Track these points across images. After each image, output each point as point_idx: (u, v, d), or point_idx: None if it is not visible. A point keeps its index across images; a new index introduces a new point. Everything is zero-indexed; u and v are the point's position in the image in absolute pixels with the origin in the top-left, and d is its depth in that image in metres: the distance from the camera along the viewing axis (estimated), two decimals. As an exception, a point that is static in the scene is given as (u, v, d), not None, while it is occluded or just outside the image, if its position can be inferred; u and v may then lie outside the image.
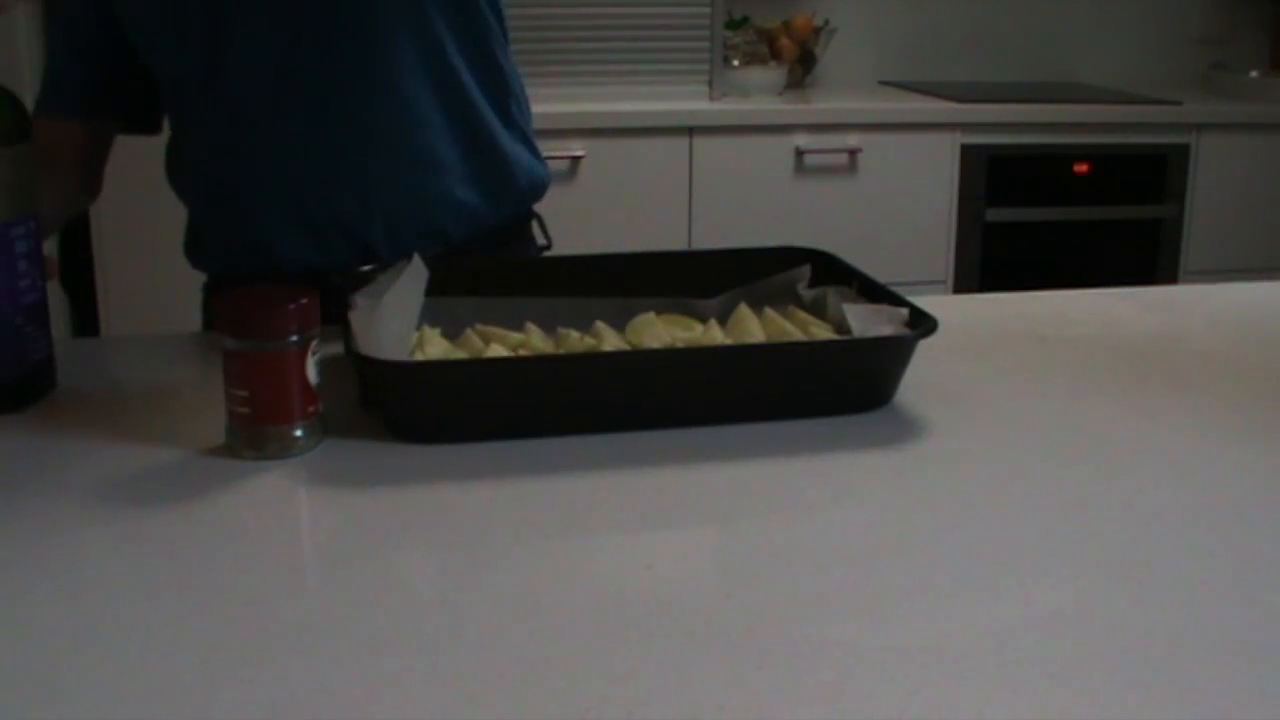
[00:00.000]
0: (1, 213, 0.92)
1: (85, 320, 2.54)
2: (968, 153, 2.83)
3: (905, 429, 0.93)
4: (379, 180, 1.19)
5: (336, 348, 0.94)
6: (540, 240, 1.33)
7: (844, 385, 0.95)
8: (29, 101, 1.03)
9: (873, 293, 1.03)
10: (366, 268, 1.04)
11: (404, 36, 1.15)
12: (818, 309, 1.05)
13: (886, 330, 0.96)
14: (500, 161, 1.25)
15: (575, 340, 0.99)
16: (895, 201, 2.82)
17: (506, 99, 1.26)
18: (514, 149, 1.27)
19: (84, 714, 0.57)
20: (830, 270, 1.09)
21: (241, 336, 0.84)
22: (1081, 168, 2.90)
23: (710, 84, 2.82)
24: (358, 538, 0.75)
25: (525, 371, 0.92)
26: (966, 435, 0.92)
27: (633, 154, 2.68)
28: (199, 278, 1.31)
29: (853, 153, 2.77)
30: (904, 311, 0.97)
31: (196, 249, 1.28)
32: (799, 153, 2.74)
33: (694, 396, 0.92)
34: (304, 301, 0.85)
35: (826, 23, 3.15)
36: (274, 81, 1.15)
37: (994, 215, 2.87)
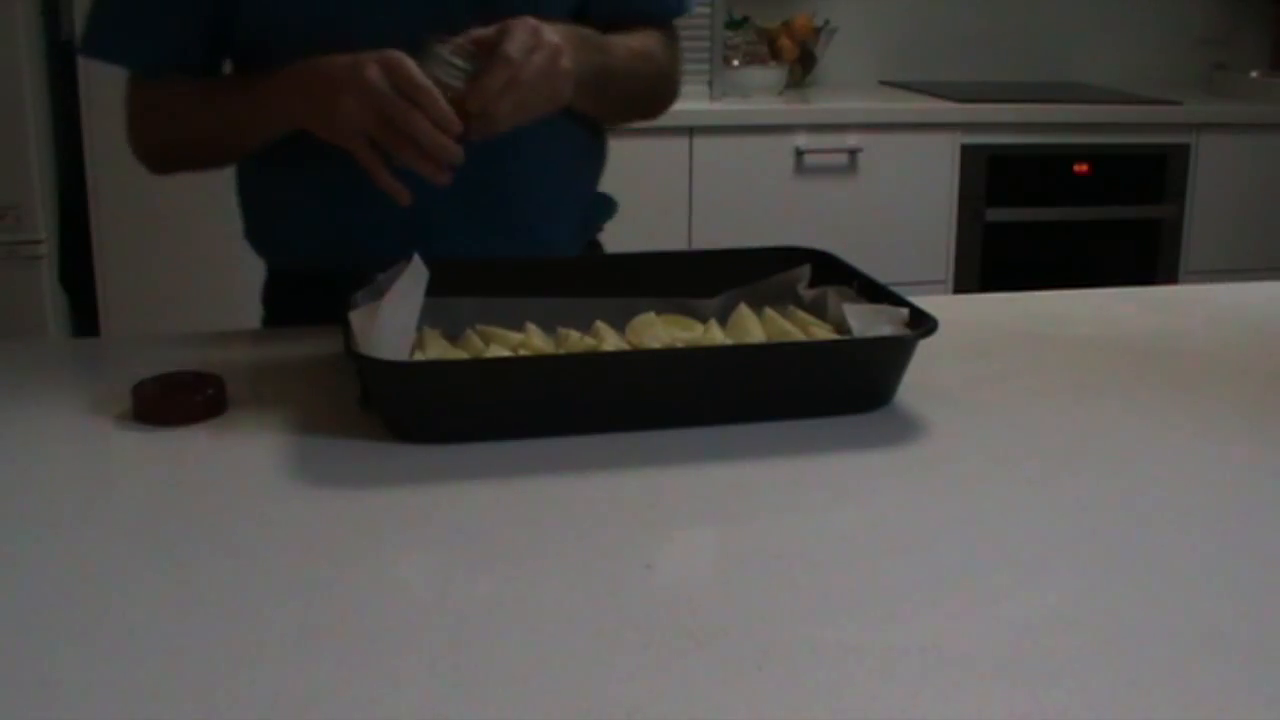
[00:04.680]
0: None
1: (85, 320, 2.54)
2: (968, 153, 2.83)
3: (905, 429, 0.93)
4: (553, 178, 1.27)
5: (337, 347, 0.94)
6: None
7: (844, 385, 0.95)
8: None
9: (873, 293, 1.03)
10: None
11: None
12: (818, 309, 1.05)
13: (886, 330, 0.96)
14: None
15: (575, 340, 0.99)
16: (895, 201, 2.82)
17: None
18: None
19: (84, 714, 0.57)
20: (830, 270, 1.09)
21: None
22: (1081, 168, 2.90)
23: (710, 84, 2.82)
24: (358, 538, 0.75)
25: (525, 371, 0.92)
26: (966, 435, 0.92)
27: (633, 154, 2.67)
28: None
29: (853, 153, 2.77)
30: (904, 311, 0.97)
31: (295, 237, 1.24)
32: (799, 153, 2.74)
33: (694, 396, 0.92)
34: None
35: (827, 23, 3.15)
36: None
37: (994, 215, 2.87)
